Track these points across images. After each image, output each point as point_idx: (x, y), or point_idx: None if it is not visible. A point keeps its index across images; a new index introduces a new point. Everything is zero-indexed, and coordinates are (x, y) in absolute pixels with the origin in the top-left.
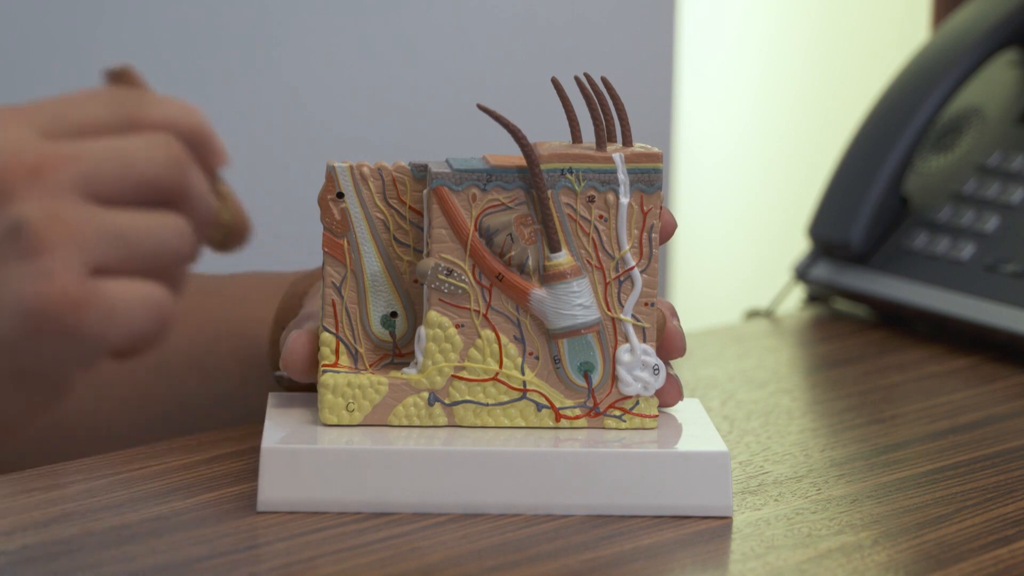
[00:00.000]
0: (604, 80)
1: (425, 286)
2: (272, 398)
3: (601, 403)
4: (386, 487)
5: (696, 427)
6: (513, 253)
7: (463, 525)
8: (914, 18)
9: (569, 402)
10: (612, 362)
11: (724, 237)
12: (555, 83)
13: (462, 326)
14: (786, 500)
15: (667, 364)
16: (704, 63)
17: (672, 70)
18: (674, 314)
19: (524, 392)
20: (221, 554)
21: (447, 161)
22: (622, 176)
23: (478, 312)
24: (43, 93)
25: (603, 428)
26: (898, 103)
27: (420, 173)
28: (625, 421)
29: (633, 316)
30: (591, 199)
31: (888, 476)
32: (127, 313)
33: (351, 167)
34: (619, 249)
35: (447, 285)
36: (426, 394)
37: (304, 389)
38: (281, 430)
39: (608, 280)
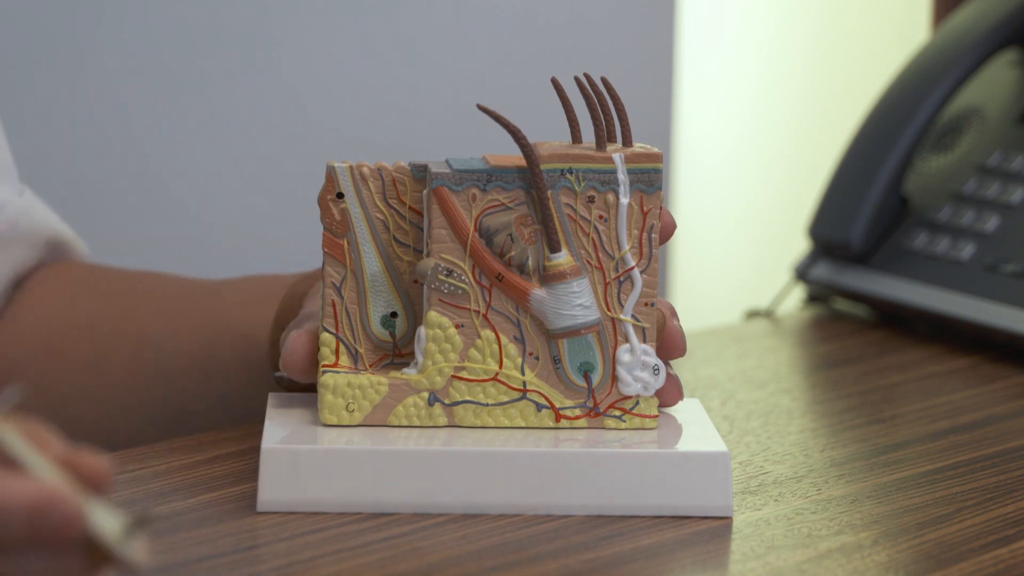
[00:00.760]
0: (604, 80)
1: (425, 286)
2: (272, 398)
3: (601, 403)
4: (386, 487)
5: (696, 427)
6: (513, 253)
7: (463, 525)
8: (914, 18)
9: (569, 402)
10: (612, 362)
11: (724, 237)
12: (555, 83)
13: (462, 326)
14: (786, 500)
15: (667, 364)
16: (704, 63)
17: (672, 70)
18: (674, 314)
19: (524, 392)
20: (221, 554)
21: (447, 161)
22: (622, 176)
23: (478, 312)
24: (43, 93)
25: (603, 428)
26: (898, 103)
27: (420, 173)
28: (625, 421)
29: (633, 316)
30: (591, 199)
31: (888, 476)
32: None
33: (351, 167)
34: (619, 249)
35: (447, 285)
36: (426, 394)
37: (304, 389)
38: (281, 430)
39: (608, 280)
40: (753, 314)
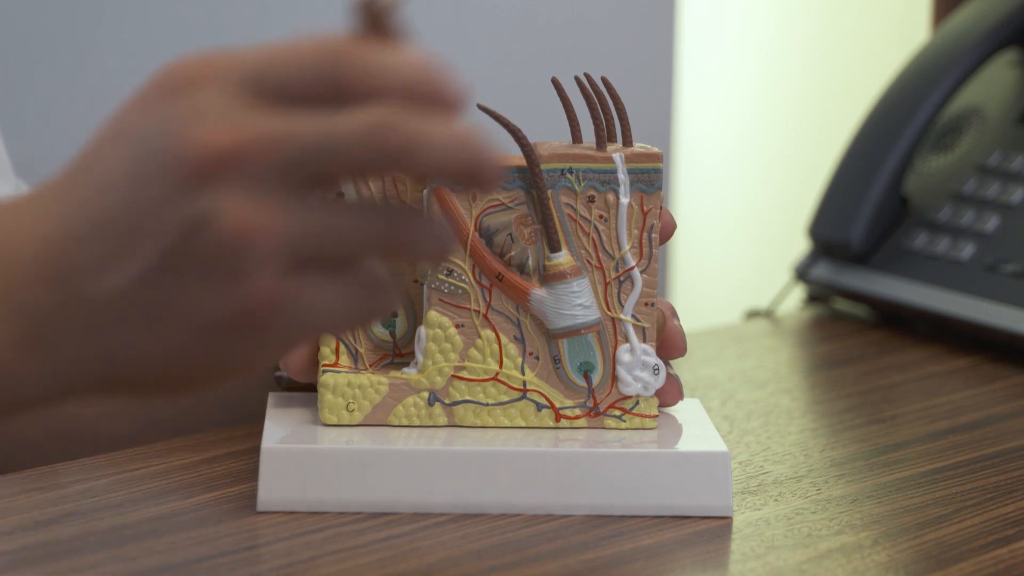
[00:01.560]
0: (604, 80)
1: (425, 286)
2: (272, 398)
3: (601, 403)
4: (386, 487)
5: (696, 427)
6: (513, 253)
7: (463, 525)
8: (914, 18)
9: (569, 402)
10: (612, 362)
11: (724, 237)
12: (555, 83)
13: (462, 326)
14: (786, 500)
15: (667, 364)
16: (704, 63)
17: (672, 70)
18: (674, 314)
19: (524, 392)
20: (221, 554)
21: None
22: (622, 176)
23: (478, 312)
24: (43, 93)
25: (603, 428)
26: (898, 103)
27: None
28: (625, 421)
29: (633, 316)
30: (591, 199)
31: (888, 476)
32: (322, 315)
33: None
34: (619, 249)
35: (447, 285)
36: (426, 394)
37: (304, 389)
38: (281, 430)
39: (608, 280)
40: (753, 314)
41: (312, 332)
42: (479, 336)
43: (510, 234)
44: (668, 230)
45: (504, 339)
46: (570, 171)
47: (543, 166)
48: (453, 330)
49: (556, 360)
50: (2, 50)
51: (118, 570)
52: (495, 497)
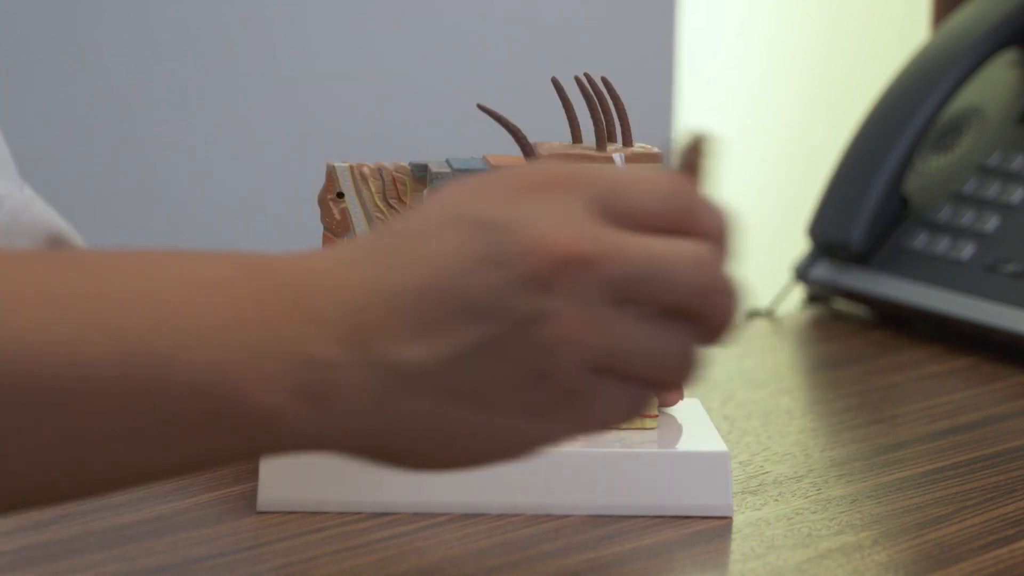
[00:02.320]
0: (604, 80)
1: None
2: None
3: None
4: (386, 487)
5: (696, 427)
6: None
7: (463, 525)
8: (914, 18)
9: None
10: None
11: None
12: (555, 83)
13: None
14: (786, 500)
15: None
16: (704, 63)
17: (672, 70)
18: None
19: None
20: (221, 554)
21: (447, 161)
22: None
23: None
24: (43, 93)
25: None
26: (898, 103)
27: (420, 173)
28: None
29: None
30: None
31: (888, 476)
32: (600, 415)
33: (351, 167)
34: None
35: None
36: None
37: None
38: None
39: None
40: (753, 314)
41: (587, 428)
42: None
43: None
44: None
45: None
46: None
47: None
48: None
49: None
50: (2, 50)
51: (118, 570)
52: (495, 497)
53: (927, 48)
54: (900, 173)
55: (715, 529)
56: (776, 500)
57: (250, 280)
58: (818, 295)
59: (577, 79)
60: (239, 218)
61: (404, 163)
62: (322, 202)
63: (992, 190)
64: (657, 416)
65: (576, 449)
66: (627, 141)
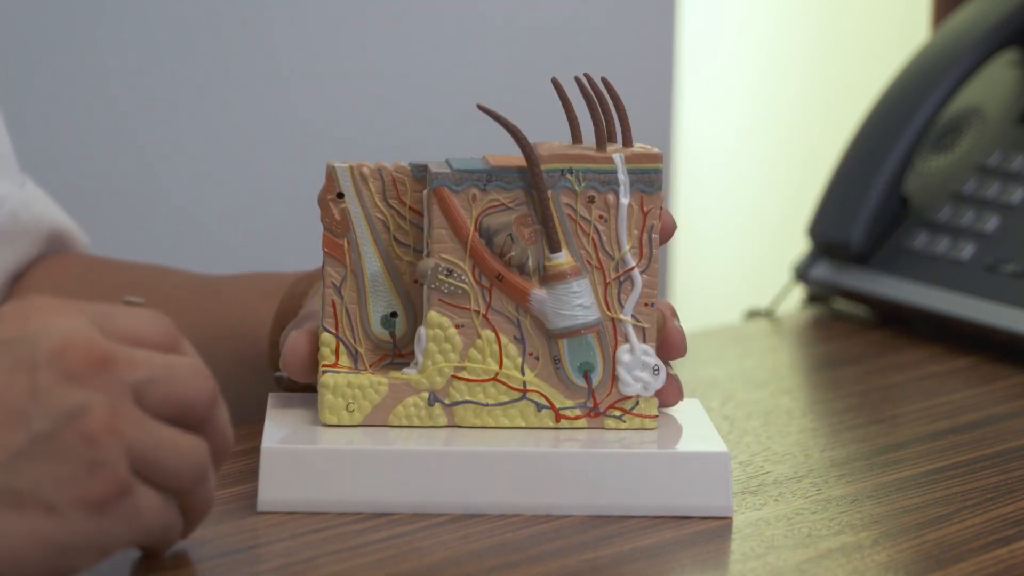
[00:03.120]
0: (604, 80)
1: (425, 286)
2: (272, 398)
3: (601, 403)
4: (386, 487)
5: (696, 427)
6: (513, 253)
7: (463, 525)
8: (914, 18)
9: (569, 402)
10: (612, 362)
11: (724, 237)
12: (555, 83)
13: (462, 326)
14: (786, 500)
15: (667, 364)
16: (704, 63)
17: (672, 70)
18: (674, 314)
19: (524, 392)
20: (221, 554)
21: (447, 161)
22: (622, 176)
23: (478, 312)
24: (43, 93)
25: (603, 428)
26: (898, 103)
27: (420, 173)
28: (625, 421)
29: (633, 316)
30: (591, 199)
31: (888, 476)
32: (147, 521)
33: (351, 167)
34: (619, 249)
35: (447, 285)
36: (426, 394)
37: (304, 389)
38: (281, 430)
39: (608, 280)
40: (753, 314)
41: (141, 535)
42: (479, 336)
43: (510, 234)
44: (668, 230)
45: (504, 339)
46: (570, 171)
47: (543, 166)
48: (453, 330)
49: (556, 360)
50: (2, 50)
51: (118, 570)
52: (495, 497)
53: (927, 48)
54: (900, 173)
55: (715, 529)
56: (776, 500)
57: None
58: (818, 295)
59: (577, 79)
60: (239, 218)
61: (404, 163)
62: (322, 202)
63: (992, 190)
64: (657, 416)
65: (576, 449)
66: (627, 141)
